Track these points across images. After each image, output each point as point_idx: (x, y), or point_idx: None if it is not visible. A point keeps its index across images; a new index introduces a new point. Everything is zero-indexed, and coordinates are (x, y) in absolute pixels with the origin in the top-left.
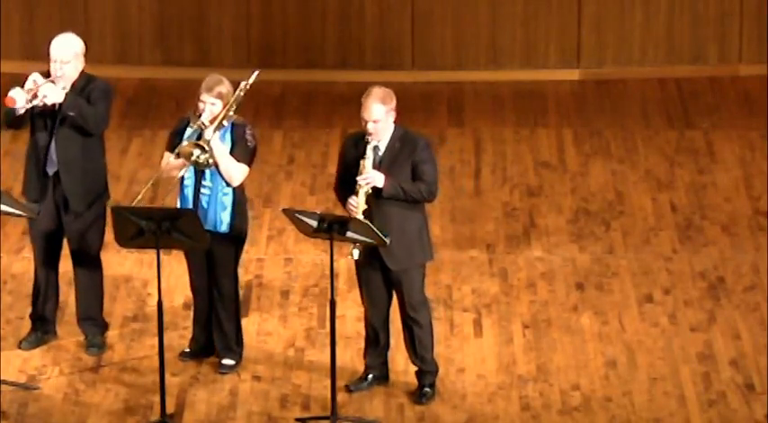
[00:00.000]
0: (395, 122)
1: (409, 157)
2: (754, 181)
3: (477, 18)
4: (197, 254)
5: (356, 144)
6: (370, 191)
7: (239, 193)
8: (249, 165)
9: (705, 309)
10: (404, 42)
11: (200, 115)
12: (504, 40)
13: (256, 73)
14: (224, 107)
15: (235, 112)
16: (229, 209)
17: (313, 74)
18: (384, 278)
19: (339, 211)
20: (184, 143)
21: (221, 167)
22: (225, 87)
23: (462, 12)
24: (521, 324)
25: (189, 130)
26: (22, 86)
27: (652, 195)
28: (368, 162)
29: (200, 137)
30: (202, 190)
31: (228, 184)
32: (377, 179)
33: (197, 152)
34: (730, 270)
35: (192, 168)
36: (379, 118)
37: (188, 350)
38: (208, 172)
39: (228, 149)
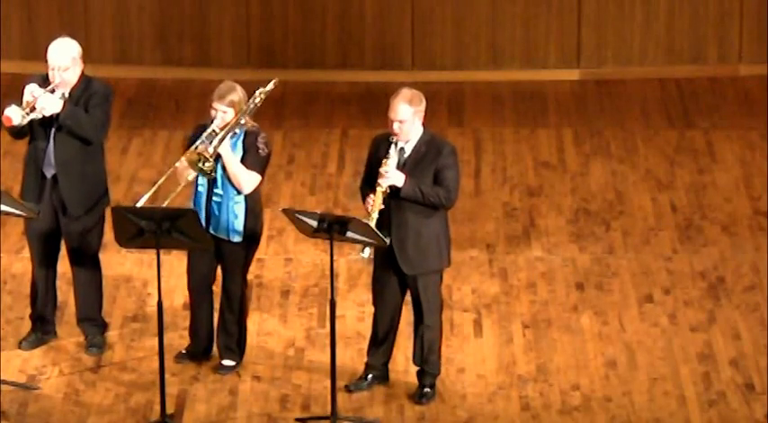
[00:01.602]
0: (423, 126)
1: (433, 161)
2: (754, 181)
3: (477, 18)
4: (201, 256)
5: (384, 144)
6: (388, 191)
7: (252, 201)
8: (261, 173)
9: (705, 309)
10: (404, 42)
11: (211, 122)
12: (504, 40)
13: (276, 81)
14: (235, 115)
15: (250, 119)
16: (241, 217)
17: (313, 74)
18: (399, 281)
19: (339, 211)
20: (191, 150)
21: (231, 175)
22: (237, 95)
23: (462, 12)
24: (521, 324)
25: (201, 137)
26: (21, 96)
27: (652, 195)
28: (390, 161)
29: (210, 144)
30: (214, 197)
31: (239, 192)
32: (397, 179)
33: (201, 160)
34: (730, 270)
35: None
36: (405, 118)
37: (183, 352)
38: (220, 179)
39: (240, 157)
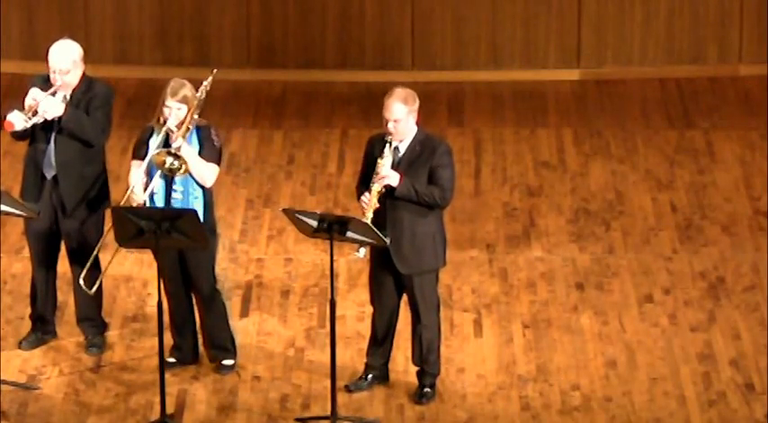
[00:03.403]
0: (418, 126)
1: (428, 161)
2: (754, 181)
3: (477, 18)
4: (169, 259)
5: (379, 144)
6: (383, 190)
7: (208, 194)
8: (218, 164)
9: (705, 309)
10: (404, 42)
11: (164, 121)
12: (504, 40)
13: (215, 71)
14: (189, 111)
15: (199, 114)
16: (201, 212)
17: (313, 74)
18: (395, 281)
19: (339, 211)
20: (155, 152)
21: (194, 170)
22: (189, 91)
23: (462, 12)
24: (521, 324)
25: (155, 138)
26: (22, 97)
27: (652, 195)
28: (385, 161)
29: (167, 143)
30: (174, 194)
31: (201, 186)
32: (391, 178)
33: (170, 160)
34: (730, 270)
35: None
36: (400, 117)
37: (173, 360)
38: (178, 177)
39: (196, 152)
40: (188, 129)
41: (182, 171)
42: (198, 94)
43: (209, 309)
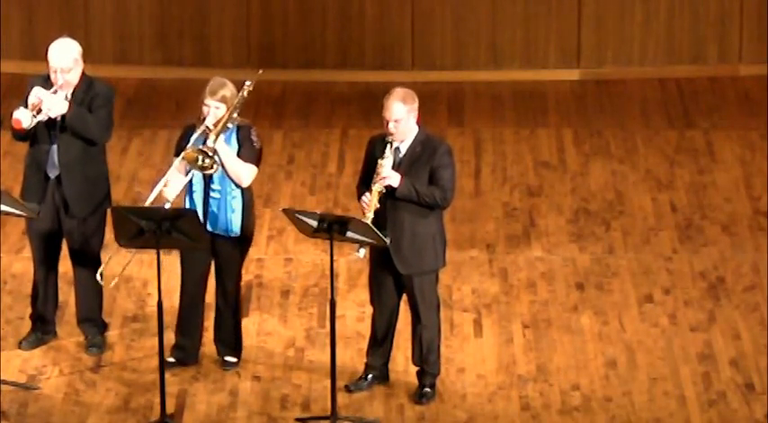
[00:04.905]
0: (418, 126)
1: (428, 161)
2: (754, 181)
3: (477, 18)
4: (196, 261)
5: (380, 144)
6: (384, 190)
7: (248, 196)
8: (257, 165)
9: (705, 309)
10: (404, 42)
11: (204, 119)
12: (504, 40)
13: (260, 72)
14: (227, 110)
15: (238, 114)
16: (239, 212)
17: (313, 74)
18: (395, 281)
19: (339, 211)
20: (189, 149)
21: (229, 170)
22: (229, 90)
23: (462, 12)
24: (521, 324)
25: (195, 136)
26: (22, 96)
27: (652, 195)
28: (386, 161)
29: (205, 142)
30: (212, 194)
31: (238, 186)
32: (392, 178)
33: (201, 157)
34: (730, 270)
35: (199, 173)
36: (400, 117)
37: (173, 360)
38: (216, 176)
39: (235, 152)
40: (225, 128)
41: (213, 169)
42: (239, 95)
43: (228, 305)
